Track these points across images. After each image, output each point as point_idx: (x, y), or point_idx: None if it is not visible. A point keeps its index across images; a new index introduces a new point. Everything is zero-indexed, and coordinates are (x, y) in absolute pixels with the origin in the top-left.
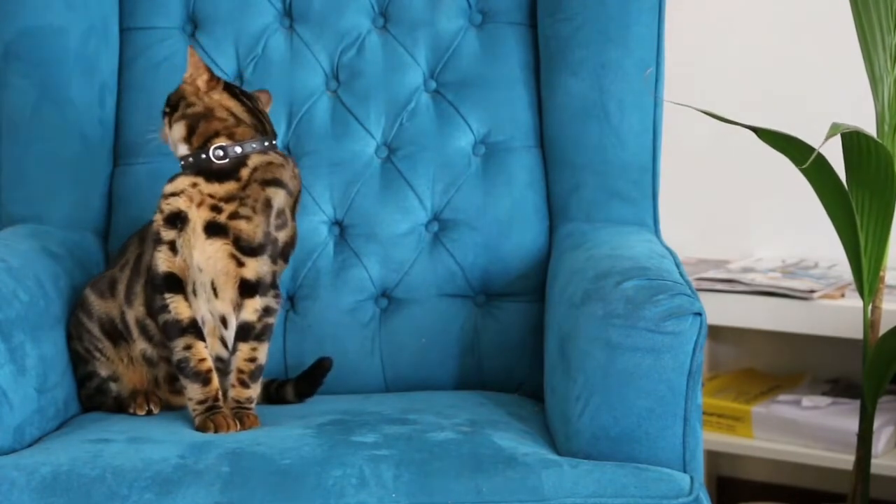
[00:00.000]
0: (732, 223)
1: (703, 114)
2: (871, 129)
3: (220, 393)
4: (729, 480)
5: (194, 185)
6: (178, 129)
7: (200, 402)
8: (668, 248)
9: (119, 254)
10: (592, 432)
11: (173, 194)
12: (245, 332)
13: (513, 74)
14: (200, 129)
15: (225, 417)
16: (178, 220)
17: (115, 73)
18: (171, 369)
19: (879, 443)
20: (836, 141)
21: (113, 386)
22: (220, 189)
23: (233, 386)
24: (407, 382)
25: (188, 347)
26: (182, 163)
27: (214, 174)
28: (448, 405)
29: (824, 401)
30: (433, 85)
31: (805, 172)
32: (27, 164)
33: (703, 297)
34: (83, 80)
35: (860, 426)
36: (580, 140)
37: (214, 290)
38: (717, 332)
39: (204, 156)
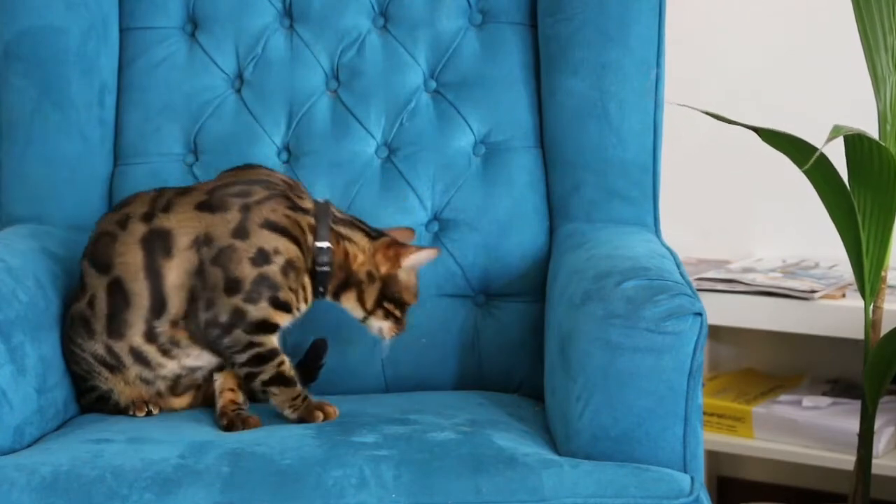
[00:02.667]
0: (733, 223)
1: (703, 114)
2: (873, 129)
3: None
4: (729, 480)
5: None
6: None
7: (296, 398)
8: (668, 248)
9: (80, 282)
10: (592, 432)
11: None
12: None
13: (513, 74)
14: None
15: (318, 405)
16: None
17: (115, 73)
18: (170, 383)
19: (880, 443)
20: (838, 141)
21: (114, 395)
22: None
23: (231, 390)
24: (407, 382)
25: (281, 364)
26: None
27: None
28: (448, 405)
29: (825, 401)
30: (433, 85)
31: (807, 173)
32: (27, 164)
33: (703, 297)
34: (83, 80)
35: (861, 426)
36: (580, 140)
37: None
38: (717, 332)
39: None
